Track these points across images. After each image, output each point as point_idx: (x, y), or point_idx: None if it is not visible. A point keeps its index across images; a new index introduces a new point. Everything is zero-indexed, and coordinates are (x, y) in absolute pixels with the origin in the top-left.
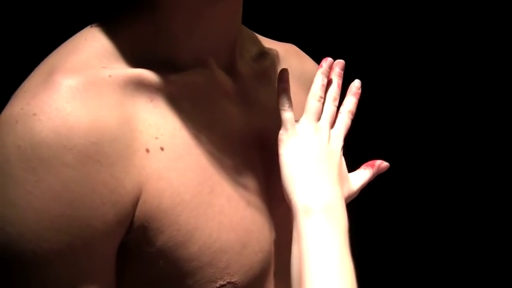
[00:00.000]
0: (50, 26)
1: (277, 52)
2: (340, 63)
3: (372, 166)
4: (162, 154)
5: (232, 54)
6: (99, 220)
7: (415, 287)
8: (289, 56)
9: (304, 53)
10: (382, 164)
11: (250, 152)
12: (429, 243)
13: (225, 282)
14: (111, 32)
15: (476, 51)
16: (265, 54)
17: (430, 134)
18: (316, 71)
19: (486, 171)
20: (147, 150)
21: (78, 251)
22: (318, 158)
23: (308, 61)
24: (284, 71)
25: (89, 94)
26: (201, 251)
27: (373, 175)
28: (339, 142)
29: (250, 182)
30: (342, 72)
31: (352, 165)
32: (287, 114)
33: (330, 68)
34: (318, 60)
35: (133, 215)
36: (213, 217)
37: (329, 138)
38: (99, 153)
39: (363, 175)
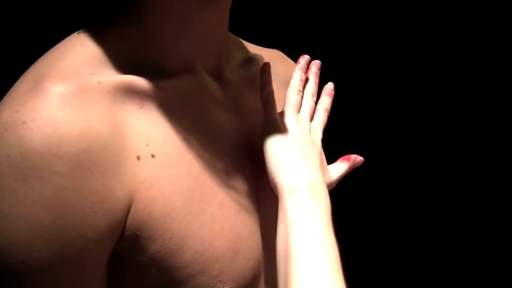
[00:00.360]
0: (36, 32)
1: (262, 58)
2: (316, 63)
3: (348, 160)
4: (153, 161)
5: (219, 60)
6: (90, 229)
7: (407, 285)
8: (275, 62)
9: (290, 59)
10: (357, 158)
11: (240, 158)
12: (420, 241)
13: None
14: (99, 38)
15: (465, 48)
16: (251, 60)
17: (419, 133)
18: (294, 67)
19: (477, 168)
20: (138, 158)
21: (70, 261)
22: (301, 146)
23: (294, 67)
24: (266, 65)
25: (79, 101)
26: (193, 258)
27: (350, 168)
28: (318, 134)
29: (241, 187)
30: (319, 72)
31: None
32: (269, 105)
33: (308, 64)
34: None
35: (125, 224)
36: (204, 224)
37: (310, 130)
38: (90, 161)
39: (340, 167)
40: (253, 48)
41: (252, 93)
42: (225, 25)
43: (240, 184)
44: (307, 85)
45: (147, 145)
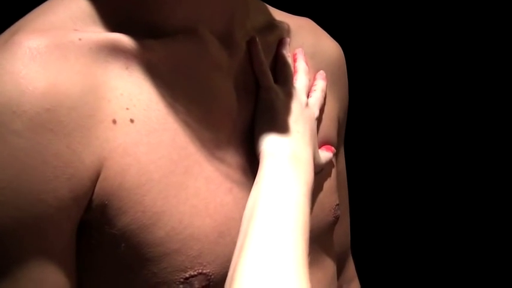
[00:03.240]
0: None
1: (288, 26)
2: (300, 50)
3: (331, 150)
4: (131, 127)
5: (229, 24)
6: (51, 194)
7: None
8: (302, 32)
9: (321, 29)
10: (335, 150)
11: (241, 133)
12: (425, 243)
13: (195, 273)
14: None
15: (469, 50)
16: (273, 27)
17: (424, 133)
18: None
19: (482, 171)
20: (114, 122)
21: (29, 227)
22: (293, 117)
23: (324, 39)
24: (253, 37)
25: (51, 57)
26: (168, 236)
27: (331, 159)
28: (314, 110)
29: (237, 165)
30: (305, 57)
31: (353, 164)
32: (263, 74)
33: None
34: (336, 37)
35: (93, 192)
36: (185, 200)
37: (306, 104)
38: (53, 122)
39: (327, 154)
40: (280, 15)
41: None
42: None
43: (237, 161)
44: (299, 64)
45: (127, 109)
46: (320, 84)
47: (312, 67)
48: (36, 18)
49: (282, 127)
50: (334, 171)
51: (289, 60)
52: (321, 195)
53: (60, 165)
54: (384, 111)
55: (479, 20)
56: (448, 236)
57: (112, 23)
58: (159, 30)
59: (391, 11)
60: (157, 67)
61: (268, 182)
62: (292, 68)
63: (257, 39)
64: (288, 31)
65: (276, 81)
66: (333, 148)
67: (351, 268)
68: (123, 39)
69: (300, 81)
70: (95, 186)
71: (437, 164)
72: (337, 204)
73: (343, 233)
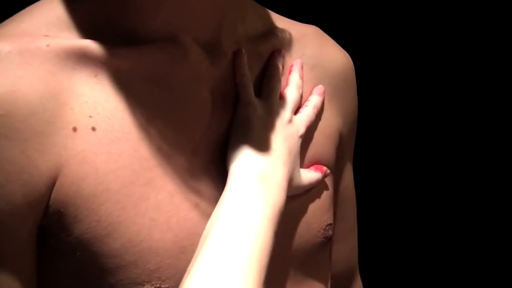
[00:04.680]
0: None
1: (290, 35)
2: (298, 61)
3: (321, 171)
4: (92, 135)
5: (217, 31)
6: (3, 199)
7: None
8: (305, 40)
9: (328, 38)
10: (327, 171)
11: (213, 147)
12: (428, 245)
13: (153, 287)
14: (70, 0)
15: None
16: (271, 35)
17: (427, 135)
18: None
19: (485, 172)
20: (74, 129)
21: None
22: (271, 135)
23: (330, 48)
24: (240, 48)
25: (11, 63)
26: (124, 248)
27: (321, 180)
28: (299, 128)
29: (208, 182)
30: (301, 69)
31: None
32: (244, 87)
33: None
34: (345, 46)
35: (49, 198)
36: (144, 212)
37: (289, 121)
38: (8, 128)
39: (313, 175)
40: (284, 23)
41: (251, 74)
42: None
43: (208, 176)
44: (292, 77)
45: (90, 116)
46: (313, 100)
47: (312, 79)
48: (10, 23)
49: (255, 144)
50: (326, 191)
51: (280, 72)
52: (308, 216)
53: (14, 171)
54: (397, 123)
55: (493, 32)
56: (459, 256)
57: (87, 30)
58: (137, 38)
59: (406, 21)
60: (127, 75)
61: (230, 202)
62: (280, 81)
63: (243, 50)
64: (288, 40)
65: (260, 94)
66: (323, 168)
67: None
68: (93, 46)
69: (289, 95)
70: (51, 192)
71: (451, 179)
72: (329, 224)
73: (347, 251)
